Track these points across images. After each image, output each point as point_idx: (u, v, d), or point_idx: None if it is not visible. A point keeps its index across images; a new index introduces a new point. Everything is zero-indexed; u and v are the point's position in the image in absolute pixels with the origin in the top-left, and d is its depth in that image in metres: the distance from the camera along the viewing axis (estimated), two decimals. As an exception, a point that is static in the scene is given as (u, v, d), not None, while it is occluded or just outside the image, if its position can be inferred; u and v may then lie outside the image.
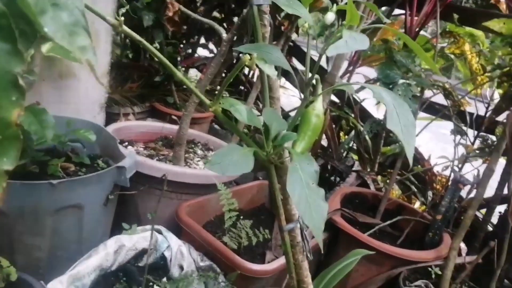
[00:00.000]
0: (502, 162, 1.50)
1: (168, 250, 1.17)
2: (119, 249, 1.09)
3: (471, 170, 1.49)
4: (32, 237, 1.03)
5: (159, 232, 1.19)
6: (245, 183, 1.58)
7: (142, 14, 1.64)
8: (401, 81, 1.13)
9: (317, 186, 0.40)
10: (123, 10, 0.34)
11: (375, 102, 1.76)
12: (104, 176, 1.09)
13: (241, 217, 1.27)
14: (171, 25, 1.39)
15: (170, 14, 1.36)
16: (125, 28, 0.35)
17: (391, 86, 1.12)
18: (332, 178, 1.95)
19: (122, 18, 0.35)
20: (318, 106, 0.48)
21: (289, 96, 2.10)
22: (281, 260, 1.15)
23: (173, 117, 1.92)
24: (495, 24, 1.31)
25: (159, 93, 2.07)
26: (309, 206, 0.37)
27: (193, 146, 1.66)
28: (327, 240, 1.34)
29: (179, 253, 1.18)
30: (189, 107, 1.39)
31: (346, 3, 0.49)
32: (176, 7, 1.35)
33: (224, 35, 1.28)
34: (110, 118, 1.89)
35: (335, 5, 0.48)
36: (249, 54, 0.46)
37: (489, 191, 1.53)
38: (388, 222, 1.43)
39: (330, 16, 0.47)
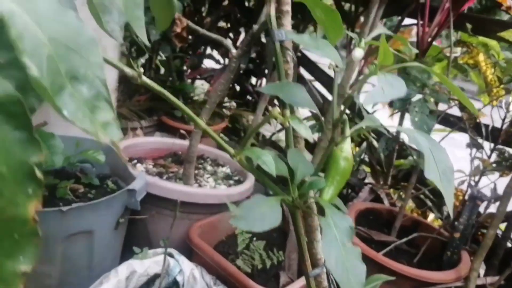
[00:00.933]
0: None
1: (181, 275, 1.14)
2: (130, 275, 1.07)
3: (488, 184, 1.45)
4: (42, 264, 1.00)
5: (171, 255, 1.16)
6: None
7: (148, 29, 1.61)
8: (417, 97, 1.10)
9: (352, 245, 0.37)
10: (142, 61, 0.31)
11: (388, 114, 1.73)
12: (114, 200, 1.07)
13: (254, 238, 1.24)
14: (179, 41, 1.37)
15: (178, 30, 1.34)
16: (145, 79, 0.33)
17: (407, 103, 1.09)
18: (344, 191, 1.92)
19: (142, 70, 0.32)
20: (347, 148, 0.45)
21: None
22: (296, 285, 1.12)
23: (182, 131, 1.89)
24: (510, 35, 1.28)
25: (167, 107, 2.05)
26: (347, 270, 0.34)
27: (202, 161, 1.63)
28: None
29: (192, 277, 1.15)
30: (199, 125, 1.36)
31: (375, 38, 0.46)
32: (184, 23, 1.33)
33: (234, 50, 1.25)
34: (118, 133, 1.87)
35: (363, 40, 0.45)
36: (278, 101, 0.43)
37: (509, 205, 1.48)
38: (404, 239, 1.40)
39: (358, 54, 0.44)
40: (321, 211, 0.51)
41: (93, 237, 1.05)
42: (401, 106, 1.12)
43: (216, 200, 1.29)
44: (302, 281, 1.14)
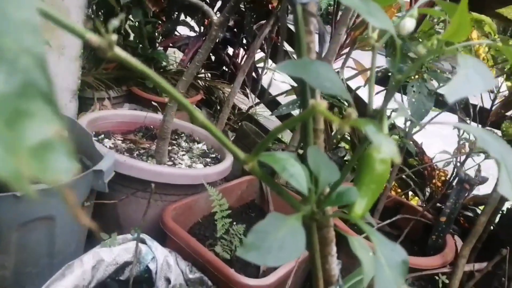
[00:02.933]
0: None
1: (153, 262, 1.05)
2: (97, 264, 0.96)
3: (473, 166, 1.42)
4: (-6, 255, 0.88)
5: (143, 241, 1.06)
6: (235, 178, 1.46)
7: (118, -10, 1.45)
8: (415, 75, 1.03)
9: (407, 286, 0.28)
10: (115, 23, 0.20)
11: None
12: (79, 183, 0.95)
13: (234, 223, 1.16)
14: (153, 4, 1.22)
15: (152, -9, 1.19)
16: (119, 51, 0.22)
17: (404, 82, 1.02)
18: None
19: (115, 37, 0.21)
20: (386, 148, 0.36)
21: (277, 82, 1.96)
22: (279, 272, 1.05)
23: (154, 103, 1.76)
24: (509, 11, 1.21)
25: (137, 76, 1.90)
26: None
27: (176, 137, 1.52)
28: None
29: (166, 264, 1.06)
30: (174, 98, 1.24)
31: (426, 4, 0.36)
32: (159, -17, 1.18)
33: (215, 18, 1.13)
34: (83, 103, 1.72)
35: (415, 7, 0.35)
36: (328, 98, 0.33)
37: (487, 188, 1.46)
38: (388, 221, 1.35)
39: (410, 24, 0.34)
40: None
41: (54, 223, 0.94)
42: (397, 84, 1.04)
43: (192, 181, 1.19)
44: (284, 268, 1.07)
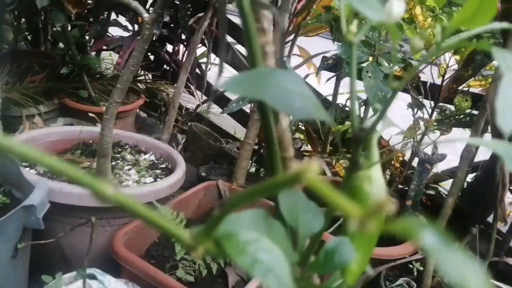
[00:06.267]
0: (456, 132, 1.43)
1: (108, 298, 0.93)
2: (41, 313, 0.84)
3: (429, 143, 1.40)
4: None
5: (93, 277, 0.94)
6: (191, 185, 1.36)
7: (33, -7, 1.29)
8: (368, 59, 0.97)
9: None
10: None
11: (318, 79, 1.60)
12: (6, 224, 0.81)
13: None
14: (73, 6, 1.08)
15: (70, -8, 1.05)
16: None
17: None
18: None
19: None
20: (377, 176, 0.28)
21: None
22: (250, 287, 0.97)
23: (90, 114, 1.60)
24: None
25: (69, 86, 1.72)
26: None
27: (120, 150, 1.39)
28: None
29: (123, 298, 0.94)
30: (110, 109, 1.11)
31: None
32: (77, -18, 1.04)
33: (146, 15, 1.01)
34: (11, 123, 1.54)
35: None
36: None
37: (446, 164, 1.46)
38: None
39: (398, 8, 0.26)
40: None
41: (-18, 275, 0.80)
42: (349, 72, 0.98)
43: (142, 199, 1.07)
44: (255, 282, 0.99)
